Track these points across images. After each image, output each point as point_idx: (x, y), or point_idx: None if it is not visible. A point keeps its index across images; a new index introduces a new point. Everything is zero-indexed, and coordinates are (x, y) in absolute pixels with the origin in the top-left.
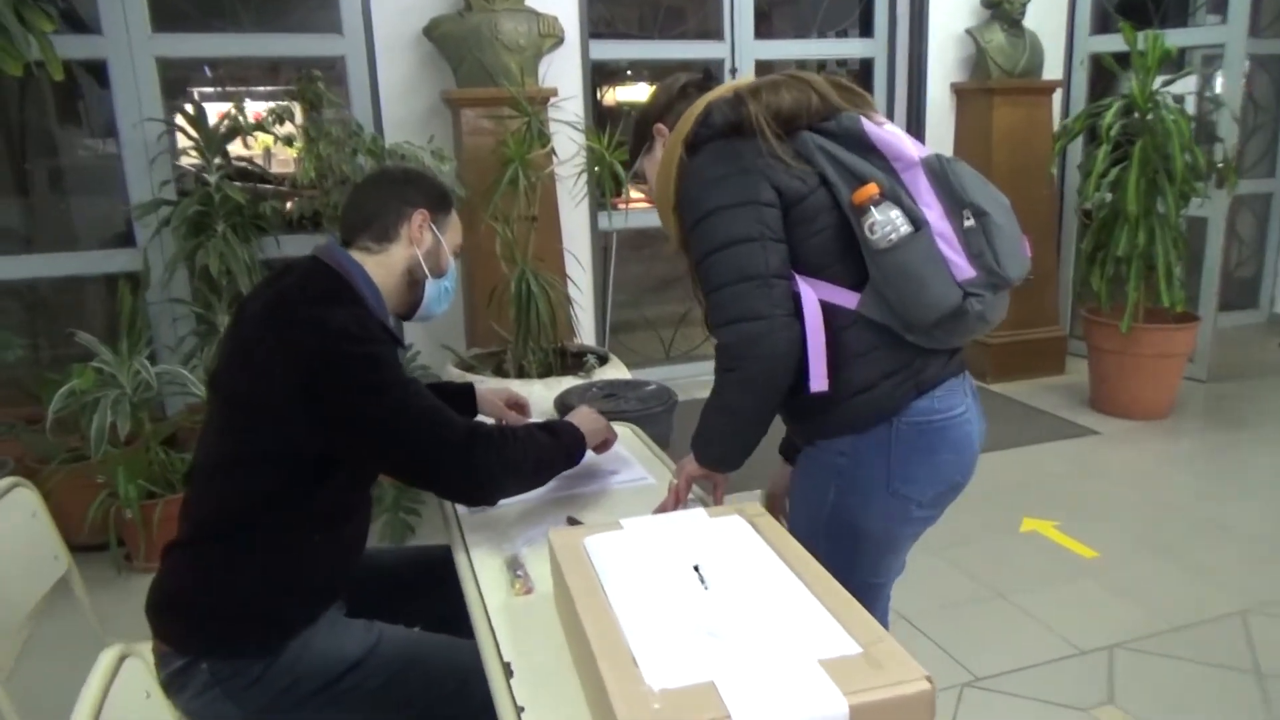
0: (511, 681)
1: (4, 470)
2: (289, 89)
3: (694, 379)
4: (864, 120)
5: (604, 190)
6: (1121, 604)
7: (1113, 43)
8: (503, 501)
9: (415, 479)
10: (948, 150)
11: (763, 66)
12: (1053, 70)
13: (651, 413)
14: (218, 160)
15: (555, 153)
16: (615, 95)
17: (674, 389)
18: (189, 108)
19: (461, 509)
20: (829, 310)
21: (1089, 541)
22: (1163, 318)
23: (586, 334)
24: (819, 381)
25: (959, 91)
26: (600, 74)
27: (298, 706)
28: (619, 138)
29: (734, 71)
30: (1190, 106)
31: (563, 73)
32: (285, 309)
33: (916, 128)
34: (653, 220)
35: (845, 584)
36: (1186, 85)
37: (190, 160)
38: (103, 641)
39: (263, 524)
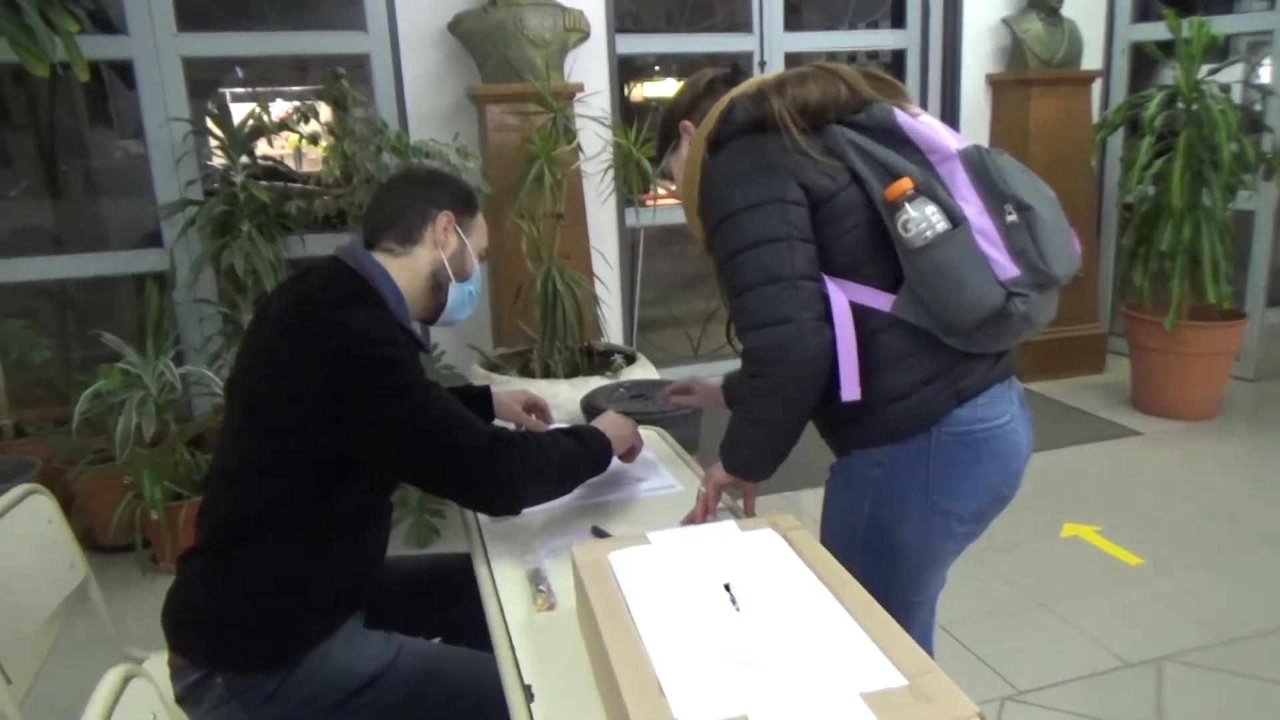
0: (532, 706)
1: (31, 471)
2: (317, 89)
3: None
4: (897, 111)
5: (631, 187)
6: (1169, 614)
7: (1155, 30)
8: (526, 510)
9: (436, 486)
10: (983, 144)
11: (792, 59)
12: (1092, 60)
13: (679, 414)
14: (243, 159)
15: (581, 149)
16: (643, 91)
17: None
18: (214, 107)
19: (483, 517)
20: (861, 313)
21: (1133, 548)
22: (1208, 314)
23: (614, 333)
24: (850, 389)
25: (995, 83)
26: (627, 70)
27: None
28: (646, 134)
29: (763, 65)
30: (1236, 95)
31: (589, 68)
32: (306, 311)
33: (950, 121)
34: (681, 216)
35: (881, 602)
36: (1232, 74)
37: (220, 160)
38: (120, 650)
39: (280, 531)
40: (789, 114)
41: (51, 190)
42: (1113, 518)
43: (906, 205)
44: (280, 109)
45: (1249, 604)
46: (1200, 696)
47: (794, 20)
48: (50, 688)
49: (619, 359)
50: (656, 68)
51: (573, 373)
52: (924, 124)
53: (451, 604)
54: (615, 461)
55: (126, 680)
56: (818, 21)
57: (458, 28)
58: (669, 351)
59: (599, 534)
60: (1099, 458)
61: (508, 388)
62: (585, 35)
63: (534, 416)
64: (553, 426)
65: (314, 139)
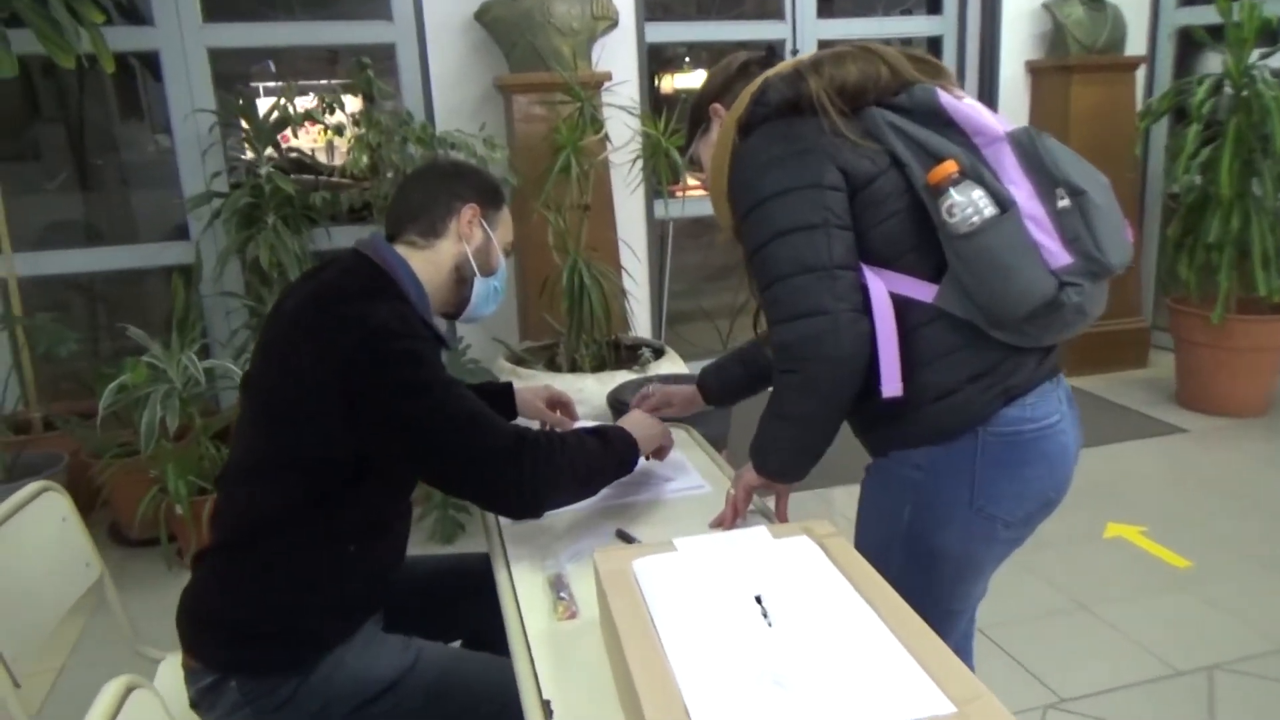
0: None
1: (59, 465)
2: (345, 82)
3: None
4: (940, 92)
5: (660, 177)
6: (1220, 620)
7: (1203, 14)
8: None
9: (454, 488)
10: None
11: (825, 47)
12: (1136, 45)
13: (707, 410)
14: (269, 152)
15: (609, 139)
16: (673, 83)
17: None
18: (238, 99)
19: (504, 519)
20: (902, 304)
21: (1180, 550)
22: (1257, 308)
23: (641, 326)
24: (892, 385)
25: (1034, 70)
26: (657, 60)
27: None
28: (675, 125)
29: (795, 53)
30: None
31: (617, 56)
32: (324, 304)
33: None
34: (711, 207)
35: (920, 612)
36: None
37: (249, 154)
38: (136, 651)
39: (296, 532)
40: (827, 95)
41: (83, 184)
42: (1158, 518)
43: (951, 190)
44: (309, 102)
45: None
46: (1256, 708)
47: (827, 7)
48: (71, 686)
49: (647, 353)
50: (687, 58)
51: (600, 367)
52: (968, 106)
53: (473, 605)
54: (642, 460)
55: (129, 691)
56: (852, 8)
57: (484, 16)
58: (698, 345)
59: (624, 537)
60: (1143, 456)
61: (533, 383)
62: (614, 23)
63: (558, 414)
64: (578, 425)
65: (339, 130)
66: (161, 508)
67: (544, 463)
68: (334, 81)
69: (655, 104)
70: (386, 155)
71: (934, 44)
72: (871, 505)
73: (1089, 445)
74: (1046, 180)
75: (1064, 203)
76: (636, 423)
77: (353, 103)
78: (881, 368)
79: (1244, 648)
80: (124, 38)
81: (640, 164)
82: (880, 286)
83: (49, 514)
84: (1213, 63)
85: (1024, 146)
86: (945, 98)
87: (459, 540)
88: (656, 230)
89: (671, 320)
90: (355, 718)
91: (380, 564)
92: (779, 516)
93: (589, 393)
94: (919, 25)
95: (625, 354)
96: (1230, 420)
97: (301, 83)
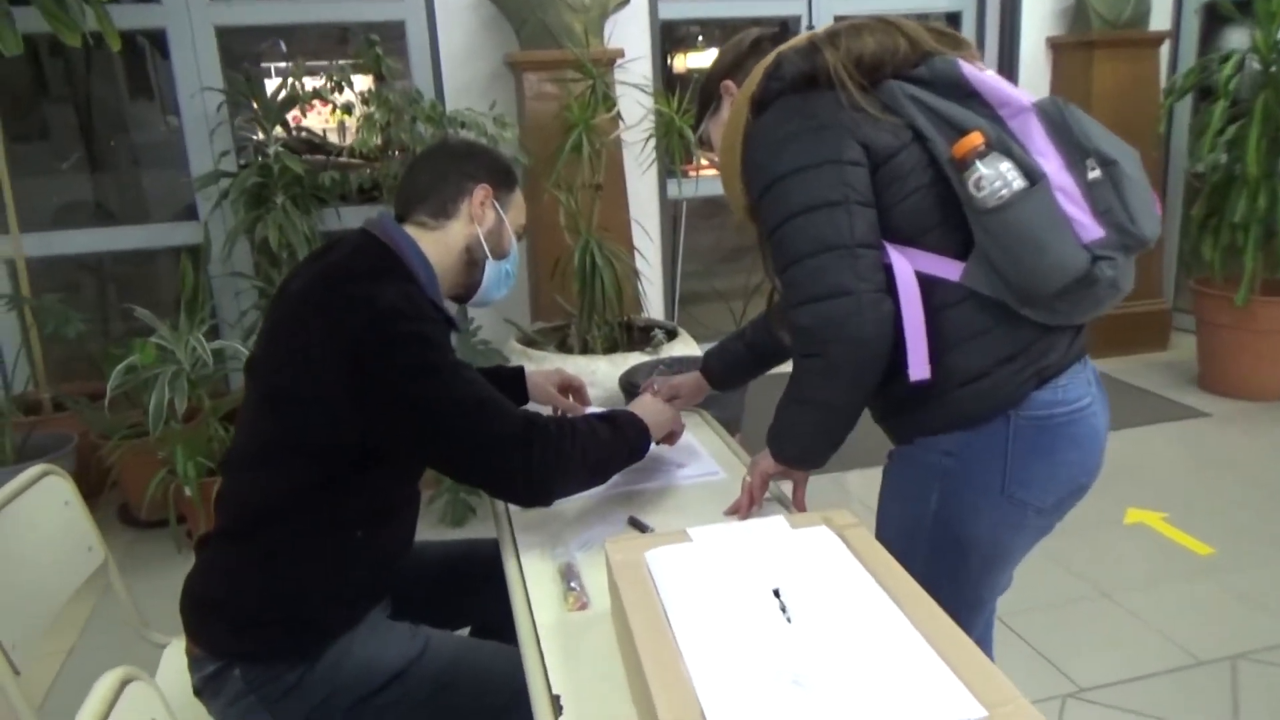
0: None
1: (68, 446)
2: (355, 62)
3: None
4: (961, 62)
5: (673, 156)
6: (1243, 608)
7: None
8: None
9: (463, 474)
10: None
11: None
12: (1160, 20)
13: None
14: (277, 131)
15: (621, 117)
16: (686, 62)
17: None
18: (244, 77)
19: (513, 505)
20: (928, 284)
21: (1203, 536)
22: None
23: (654, 307)
24: (919, 368)
25: (1055, 45)
26: (669, 39)
27: None
28: (688, 104)
29: (810, 29)
30: None
31: (629, 33)
32: (331, 285)
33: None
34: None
35: (945, 604)
36: None
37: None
38: (142, 636)
39: (301, 518)
40: (844, 67)
41: (92, 164)
42: (1180, 504)
43: (977, 162)
44: (319, 82)
45: None
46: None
47: None
48: (78, 671)
49: (659, 334)
50: (700, 37)
51: (612, 349)
52: (992, 76)
53: (482, 591)
54: (654, 445)
55: (125, 684)
56: None
57: None
58: (711, 326)
59: (636, 525)
60: (1164, 440)
61: (544, 365)
62: None
63: (570, 398)
64: (589, 410)
65: (348, 108)
66: (170, 489)
67: (554, 450)
68: (343, 62)
69: (668, 84)
70: (396, 134)
71: (952, 19)
72: (895, 493)
73: (1110, 429)
74: (1076, 151)
75: (1095, 174)
76: (647, 407)
77: (362, 82)
78: (908, 351)
79: (1269, 637)
80: (131, 15)
81: (653, 143)
82: (905, 265)
83: (51, 498)
84: (1238, 38)
85: (1052, 117)
86: (967, 68)
87: (469, 524)
88: (669, 210)
89: (684, 301)
90: (361, 707)
91: (387, 551)
92: (796, 504)
93: (601, 375)
94: (938, 0)
95: (638, 335)
96: (1253, 404)
97: (311, 63)
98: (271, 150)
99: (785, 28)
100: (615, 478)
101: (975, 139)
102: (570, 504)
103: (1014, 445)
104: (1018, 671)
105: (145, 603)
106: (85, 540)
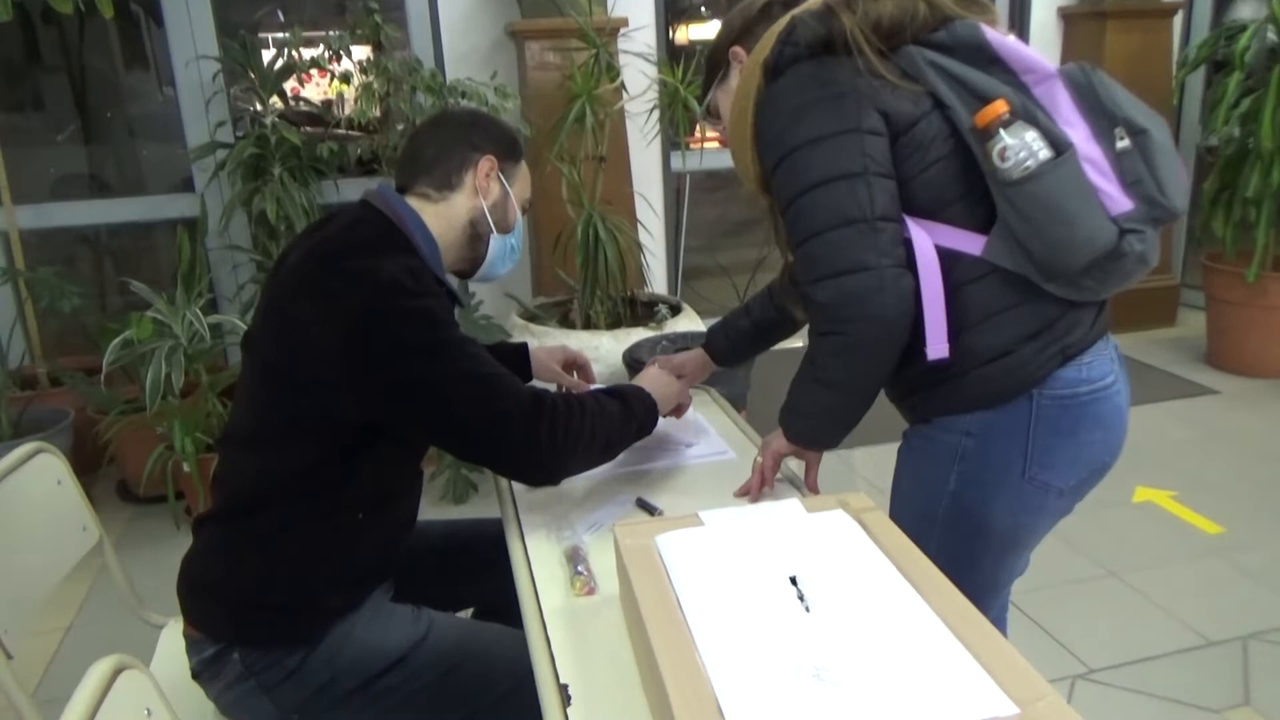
0: (569, 710)
1: (64, 421)
2: (355, 31)
3: None
4: (984, 27)
5: (678, 128)
6: (1254, 588)
7: None
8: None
9: (468, 453)
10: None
11: None
12: None
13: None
14: (274, 101)
15: (625, 88)
16: (689, 33)
17: None
18: (238, 45)
19: (519, 485)
20: (949, 259)
21: (1212, 515)
22: None
23: (658, 282)
24: (938, 346)
25: (1066, 16)
26: (673, 10)
27: (337, 705)
28: (693, 76)
29: None
30: None
31: (633, 1)
32: (329, 259)
33: None
34: (729, 159)
35: (962, 588)
36: None
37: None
38: (139, 616)
39: (300, 499)
40: (861, 32)
41: (87, 136)
42: (1189, 482)
43: (1001, 132)
44: (316, 52)
45: None
46: None
47: None
48: (74, 652)
49: (663, 309)
50: (704, 8)
51: (615, 324)
52: (1016, 42)
53: (486, 574)
54: (661, 423)
55: (117, 672)
56: None
57: None
58: (715, 301)
59: (645, 507)
60: (1173, 418)
61: (547, 340)
62: None
63: (575, 375)
64: (594, 387)
65: (346, 77)
66: (169, 465)
67: (562, 427)
68: (341, 31)
69: (672, 54)
70: (395, 104)
71: None
72: (911, 474)
73: None
74: (1105, 120)
75: (1123, 143)
76: (653, 380)
77: (361, 51)
78: (927, 328)
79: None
80: None
81: (657, 114)
82: (925, 239)
83: (43, 477)
84: (1251, 9)
85: (1079, 84)
86: (990, 33)
87: (471, 500)
88: (673, 183)
89: (688, 276)
90: (364, 691)
91: (389, 532)
92: (809, 485)
93: (605, 350)
94: None
95: (641, 310)
96: (1264, 381)
97: (309, 32)
98: (268, 121)
99: None
100: (622, 456)
101: (999, 107)
102: (576, 484)
103: (1036, 425)
104: (1026, 653)
105: (144, 581)
106: (79, 520)
